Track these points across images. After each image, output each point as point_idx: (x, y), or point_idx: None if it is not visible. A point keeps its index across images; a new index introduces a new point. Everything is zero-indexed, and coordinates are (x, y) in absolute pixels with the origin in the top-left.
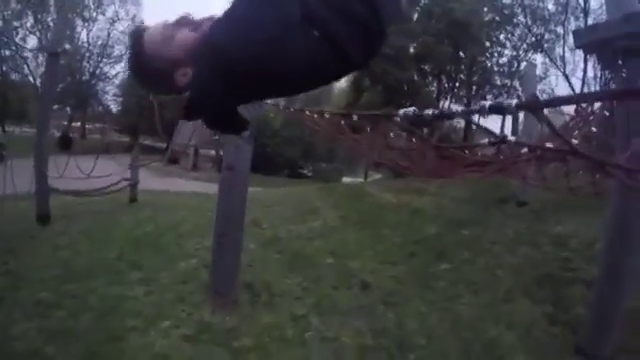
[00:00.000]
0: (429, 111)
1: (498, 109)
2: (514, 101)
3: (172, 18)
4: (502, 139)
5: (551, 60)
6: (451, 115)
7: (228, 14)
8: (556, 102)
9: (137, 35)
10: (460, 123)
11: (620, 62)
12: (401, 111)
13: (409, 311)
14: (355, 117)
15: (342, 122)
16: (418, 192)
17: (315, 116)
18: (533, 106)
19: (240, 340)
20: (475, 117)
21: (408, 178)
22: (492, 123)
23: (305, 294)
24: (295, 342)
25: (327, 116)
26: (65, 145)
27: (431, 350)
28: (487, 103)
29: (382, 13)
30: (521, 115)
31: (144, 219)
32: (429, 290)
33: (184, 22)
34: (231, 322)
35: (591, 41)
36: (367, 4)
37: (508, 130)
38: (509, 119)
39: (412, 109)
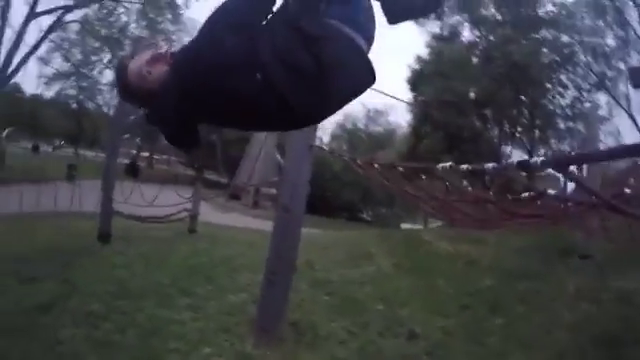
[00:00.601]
0: (464, 166)
1: (526, 166)
2: (540, 159)
3: (147, 51)
4: (541, 193)
5: (614, 99)
6: (483, 171)
7: (189, 44)
8: (583, 159)
9: (120, 71)
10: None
11: None
12: (439, 165)
13: None
14: (401, 169)
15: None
16: (477, 242)
17: (359, 163)
18: (558, 163)
19: None
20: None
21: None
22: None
23: (350, 338)
24: None
25: (376, 166)
26: (132, 172)
27: None
28: (515, 160)
29: (334, 74)
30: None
31: (200, 250)
32: (478, 345)
33: (158, 57)
34: (272, 357)
35: None
36: (318, 61)
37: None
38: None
39: (449, 164)
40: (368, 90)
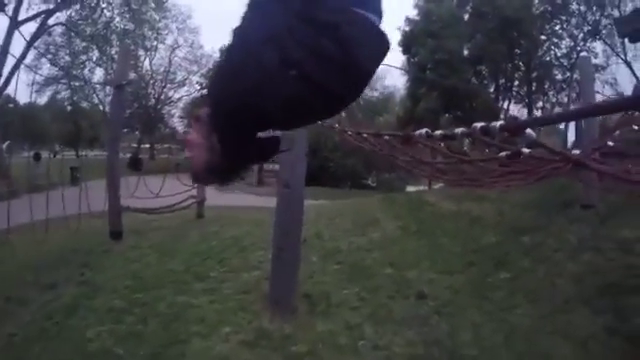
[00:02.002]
0: (437, 132)
1: (486, 131)
2: (499, 123)
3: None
4: (517, 152)
5: (610, 48)
6: (453, 136)
7: (217, 70)
8: (535, 122)
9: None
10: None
11: None
12: (417, 132)
13: (463, 322)
14: (386, 137)
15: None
16: (479, 199)
17: (349, 134)
18: (513, 128)
19: (295, 346)
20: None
21: None
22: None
23: (361, 304)
24: (348, 350)
25: (365, 136)
26: (135, 166)
27: None
28: (479, 125)
29: (356, 52)
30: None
31: (210, 234)
32: (485, 300)
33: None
34: (288, 329)
35: (634, 29)
36: (339, 44)
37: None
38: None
39: (425, 130)
40: None
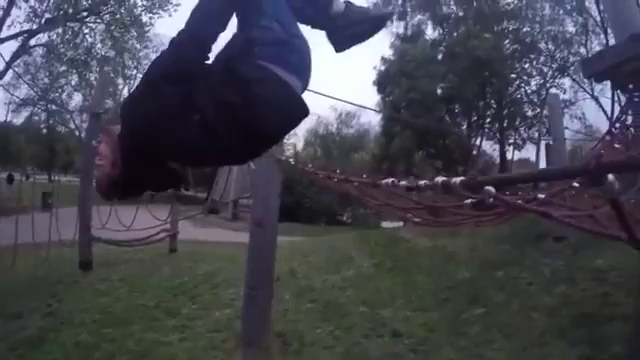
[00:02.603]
0: (403, 182)
1: (447, 187)
2: (460, 179)
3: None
4: (481, 201)
5: (577, 84)
6: (417, 187)
7: (131, 92)
8: (493, 181)
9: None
10: (496, 159)
11: (631, 86)
12: (382, 181)
13: (439, 359)
14: (355, 183)
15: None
16: (453, 235)
17: (320, 176)
18: (473, 186)
19: None
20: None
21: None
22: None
23: (335, 343)
24: None
25: (335, 179)
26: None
27: None
28: (440, 180)
29: (262, 114)
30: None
31: (182, 268)
32: (461, 336)
33: (100, 146)
34: None
35: (598, 71)
36: (247, 102)
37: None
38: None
39: (391, 180)
40: (337, 97)
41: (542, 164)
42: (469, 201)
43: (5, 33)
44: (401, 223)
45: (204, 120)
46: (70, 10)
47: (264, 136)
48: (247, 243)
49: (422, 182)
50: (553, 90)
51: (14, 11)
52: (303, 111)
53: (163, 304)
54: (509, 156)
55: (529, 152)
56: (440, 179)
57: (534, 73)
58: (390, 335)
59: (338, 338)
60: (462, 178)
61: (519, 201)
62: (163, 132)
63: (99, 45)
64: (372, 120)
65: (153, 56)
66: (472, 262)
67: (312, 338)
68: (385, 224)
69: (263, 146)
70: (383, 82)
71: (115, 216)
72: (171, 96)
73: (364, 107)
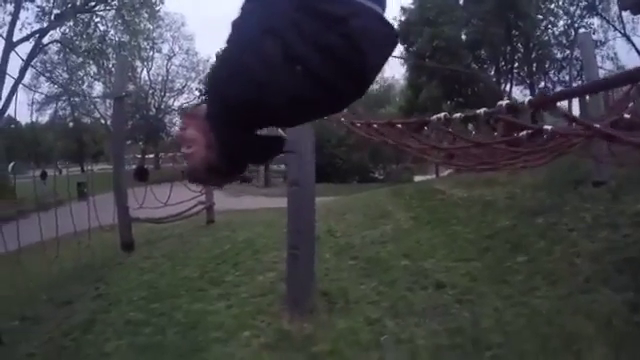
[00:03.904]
0: (456, 115)
1: (513, 108)
2: (527, 99)
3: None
4: (539, 129)
5: (608, 22)
6: (475, 117)
7: (217, 64)
8: (564, 96)
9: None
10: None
11: None
12: (434, 117)
13: (484, 308)
14: (399, 125)
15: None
16: (489, 184)
17: (359, 125)
18: (542, 103)
19: (317, 346)
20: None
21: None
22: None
23: (380, 298)
24: (370, 346)
25: (375, 126)
26: (141, 177)
27: (507, 347)
28: (504, 103)
29: (364, 47)
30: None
31: (222, 238)
32: (505, 285)
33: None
34: (308, 329)
35: (635, 2)
36: (347, 39)
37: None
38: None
39: (443, 115)
40: None
41: (575, 109)
42: (524, 133)
43: (18, 35)
44: (434, 175)
45: (307, 70)
46: (78, 2)
47: (371, 69)
48: (282, 208)
49: (481, 110)
50: (582, 30)
51: (22, 13)
52: (395, 40)
53: (207, 274)
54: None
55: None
56: (504, 102)
57: (561, 13)
58: (434, 287)
59: (382, 293)
60: (530, 98)
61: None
62: (270, 93)
63: (112, 32)
64: (396, 74)
65: (167, 35)
66: (511, 210)
67: (356, 295)
68: (418, 178)
69: (364, 86)
70: (405, 32)
71: (151, 195)
72: (270, 49)
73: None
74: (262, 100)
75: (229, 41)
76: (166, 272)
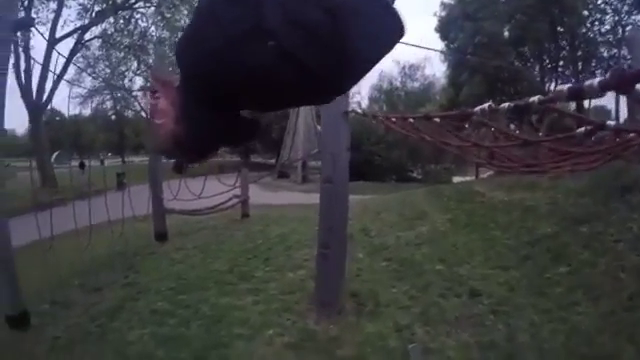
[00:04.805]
0: (505, 105)
1: (577, 92)
2: (597, 79)
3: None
4: (600, 125)
5: None
6: (527, 107)
7: (184, 31)
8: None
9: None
10: (571, 105)
11: None
12: (477, 108)
13: (520, 321)
14: (437, 119)
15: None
16: (531, 187)
17: (394, 120)
18: (620, 83)
19: (342, 349)
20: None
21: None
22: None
23: (411, 303)
24: (397, 354)
25: (411, 120)
26: (178, 169)
27: None
28: (565, 87)
29: (353, 31)
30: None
31: (254, 232)
32: (543, 297)
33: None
34: (334, 331)
35: None
36: (332, 18)
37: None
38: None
39: (487, 104)
40: (398, 45)
41: (622, 112)
42: (582, 129)
43: (60, 32)
44: (473, 177)
45: (280, 46)
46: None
47: (354, 62)
48: (318, 205)
49: (534, 98)
50: (630, 27)
51: (64, 11)
52: (400, 28)
53: (236, 268)
54: (585, 104)
55: (607, 99)
56: (566, 86)
57: (608, 10)
58: (468, 294)
59: (414, 298)
60: (599, 79)
61: None
62: (232, 68)
63: (152, 28)
64: (437, 72)
65: None
66: (552, 217)
67: (387, 298)
68: (456, 179)
69: (350, 77)
70: (446, 28)
71: (186, 187)
72: (237, 18)
73: (430, 49)
74: (217, 72)
75: (197, 6)
76: (196, 264)
